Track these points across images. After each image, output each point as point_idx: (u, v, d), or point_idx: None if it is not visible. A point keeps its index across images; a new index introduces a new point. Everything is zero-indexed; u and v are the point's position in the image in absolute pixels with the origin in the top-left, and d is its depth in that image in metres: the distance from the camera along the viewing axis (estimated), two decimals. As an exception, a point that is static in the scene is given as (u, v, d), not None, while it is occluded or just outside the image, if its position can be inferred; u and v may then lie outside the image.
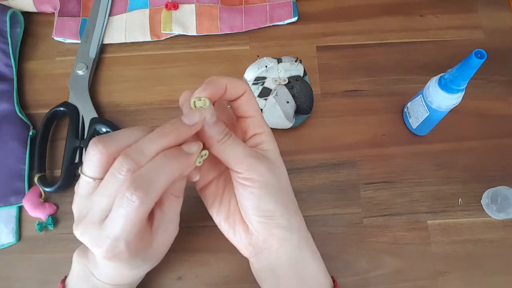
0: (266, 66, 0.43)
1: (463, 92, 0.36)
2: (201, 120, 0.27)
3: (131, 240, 0.25)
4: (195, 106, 0.27)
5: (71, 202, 0.34)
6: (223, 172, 0.33)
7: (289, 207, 0.31)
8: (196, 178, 0.30)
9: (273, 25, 0.49)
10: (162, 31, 0.48)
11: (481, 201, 0.41)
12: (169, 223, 0.29)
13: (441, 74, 0.36)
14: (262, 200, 0.29)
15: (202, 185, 0.32)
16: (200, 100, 0.27)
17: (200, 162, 0.28)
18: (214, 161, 0.31)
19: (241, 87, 0.29)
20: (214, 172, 0.32)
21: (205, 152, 0.28)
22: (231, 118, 0.33)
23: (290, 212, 0.31)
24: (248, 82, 0.43)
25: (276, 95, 0.41)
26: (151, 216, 0.28)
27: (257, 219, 0.29)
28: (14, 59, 0.46)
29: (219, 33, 0.48)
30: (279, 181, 0.30)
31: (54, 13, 0.49)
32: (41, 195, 0.40)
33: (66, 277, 0.33)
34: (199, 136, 0.28)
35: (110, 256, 0.25)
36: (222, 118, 0.29)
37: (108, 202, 0.25)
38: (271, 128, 0.32)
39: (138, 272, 0.32)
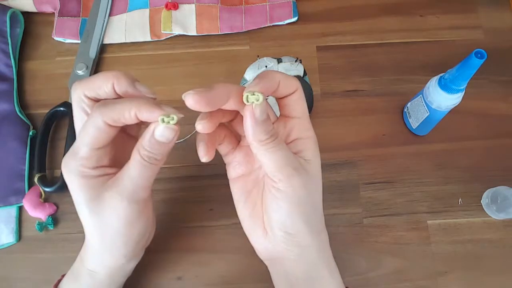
0: (266, 66, 0.43)
1: (463, 92, 0.36)
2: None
3: (91, 149, 0.27)
4: (248, 101, 0.26)
5: (71, 202, 0.33)
6: (254, 171, 0.32)
7: (316, 226, 0.30)
8: (204, 158, 0.28)
9: (273, 25, 0.49)
10: (162, 31, 0.48)
11: (481, 201, 0.41)
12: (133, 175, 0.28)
13: (441, 74, 0.36)
14: (290, 217, 0.28)
15: (233, 177, 0.32)
16: (254, 95, 0.26)
17: (168, 122, 0.26)
18: (247, 157, 0.31)
19: (294, 85, 0.28)
20: (244, 168, 0.31)
21: (174, 116, 0.26)
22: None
23: (314, 231, 0.29)
24: (248, 82, 0.43)
25: (276, 95, 0.41)
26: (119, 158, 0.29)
27: (279, 233, 0.29)
28: (14, 59, 0.46)
29: (219, 33, 0.48)
30: (312, 198, 0.29)
31: (54, 13, 0.49)
32: (41, 195, 0.40)
33: (58, 281, 0.33)
34: (235, 127, 0.29)
35: (68, 159, 0.27)
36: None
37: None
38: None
39: (118, 256, 0.30)
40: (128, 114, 0.26)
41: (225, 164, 0.32)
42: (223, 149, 0.31)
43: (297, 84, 0.28)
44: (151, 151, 0.26)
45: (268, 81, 0.26)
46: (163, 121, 0.26)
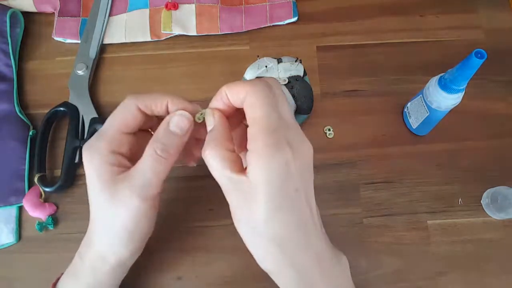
0: (266, 66, 0.43)
1: (463, 92, 0.36)
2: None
3: (116, 131, 0.28)
4: (198, 119, 0.29)
5: (71, 202, 0.34)
6: None
7: (268, 254, 0.27)
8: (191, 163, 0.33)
9: (273, 25, 0.49)
10: (162, 31, 0.48)
11: (481, 201, 0.41)
12: (143, 168, 0.28)
13: (441, 74, 0.36)
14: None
15: None
16: (201, 114, 0.29)
17: (199, 119, 0.28)
18: None
19: (242, 89, 0.26)
20: None
21: (205, 111, 0.28)
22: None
23: (268, 259, 0.27)
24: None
25: (276, 95, 0.41)
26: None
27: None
28: (14, 59, 0.46)
29: (219, 33, 0.48)
30: (250, 218, 0.26)
31: (54, 13, 0.49)
32: (41, 195, 0.40)
33: (57, 280, 0.33)
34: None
35: (91, 141, 0.28)
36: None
37: None
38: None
39: (123, 251, 0.30)
40: (160, 103, 0.28)
41: None
42: None
43: (245, 88, 0.25)
44: (164, 142, 0.27)
45: (216, 95, 0.28)
46: (198, 119, 0.28)
